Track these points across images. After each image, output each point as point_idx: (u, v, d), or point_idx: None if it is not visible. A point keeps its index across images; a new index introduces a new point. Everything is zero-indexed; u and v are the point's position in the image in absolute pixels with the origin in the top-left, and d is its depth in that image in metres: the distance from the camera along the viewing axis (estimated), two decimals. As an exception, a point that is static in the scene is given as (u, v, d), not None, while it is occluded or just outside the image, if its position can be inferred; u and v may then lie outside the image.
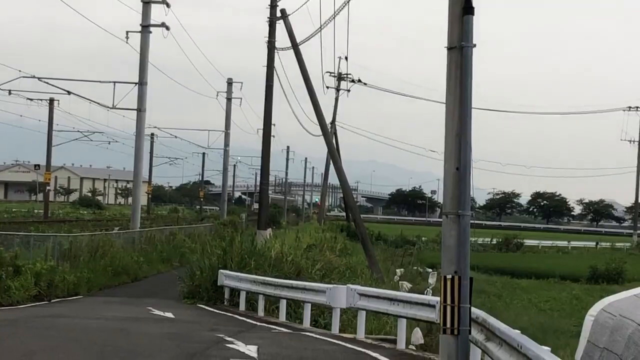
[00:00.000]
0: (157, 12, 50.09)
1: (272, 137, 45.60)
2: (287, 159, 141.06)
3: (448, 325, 12.38)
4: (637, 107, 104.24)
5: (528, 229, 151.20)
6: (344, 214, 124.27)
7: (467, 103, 12.49)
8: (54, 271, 27.92)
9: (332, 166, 60.10)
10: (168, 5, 46.13)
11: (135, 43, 46.13)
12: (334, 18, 41.01)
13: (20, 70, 53.76)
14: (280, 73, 45.25)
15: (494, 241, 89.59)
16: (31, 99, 62.67)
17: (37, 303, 25.82)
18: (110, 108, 49.80)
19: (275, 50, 42.90)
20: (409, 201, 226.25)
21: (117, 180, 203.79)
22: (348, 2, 38.03)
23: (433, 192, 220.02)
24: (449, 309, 12.37)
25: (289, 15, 41.97)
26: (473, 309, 12.88)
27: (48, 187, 77.62)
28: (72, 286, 28.84)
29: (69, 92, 53.51)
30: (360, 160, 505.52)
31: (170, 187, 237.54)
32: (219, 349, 16.22)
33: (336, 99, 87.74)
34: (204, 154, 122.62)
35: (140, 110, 46.46)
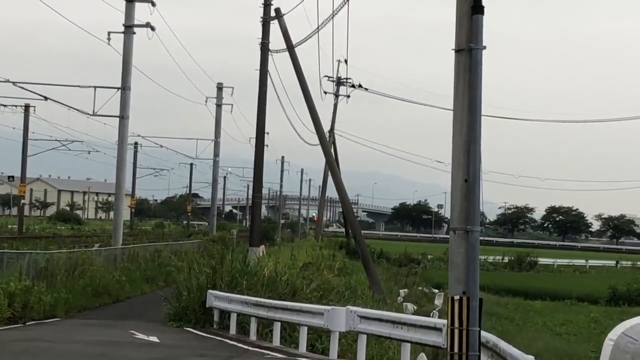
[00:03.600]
0: (142, 12, 50.22)
1: (265, 147, 45.67)
2: (282, 170, 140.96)
3: (456, 350, 12.36)
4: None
5: (542, 246, 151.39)
6: (343, 229, 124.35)
7: (476, 109, 12.49)
8: (29, 291, 27.86)
9: (330, 178, 60.17)
10: (153, 4, 46.18)
11: (117, 45, 46.21)
12: (332, 18, 41.15)
13: (-7, 74, 53.80)
14: (274, 77, 45.31)
15: (506, 259, 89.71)
16: (5, 105, 62.79)
17: (11, 326, 25.75)
18: (91, 115, 49.84)
19: (270, 53, 42.96)
20: (414, 216, 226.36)
21: (97, 193, 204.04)
22: (347, 0, 38.12)
23: (440, 206, 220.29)
24: (456, 332, 12.35)
25: (284, 14, 42.09)
26: (483, 333, 12.86)
27: (23, 201, 77.58)
28: (48, 307, 28.78)
29: (45, 98, 53.56)
30: (361, 171, 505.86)
31: (155, 200, 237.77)
32: (207, 375, 16.20)
33: (335, 105, 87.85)
34: (191, 164, 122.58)
35: (123, 117, 46.47)
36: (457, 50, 12.65)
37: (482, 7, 12.51)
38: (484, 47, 12.51)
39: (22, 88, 52.76)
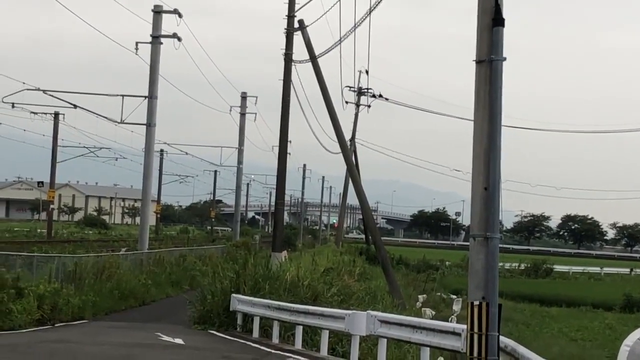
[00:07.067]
0: (169, 23, 50.34)
1: (288, 155, 45.61)
2: (304, 178, 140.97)
3: (475, 354, 12.33)
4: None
5: (558, 254, 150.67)
6: (363, 236, 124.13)
7: (496, 119, 12.48)
8: (57, 294, 27.97)
9: (351, 185, 60.14)
10: (180, 16, 46.31)
11: (145, 55, 46.36)
12: (354, 30, 41.10)
13: (24, 83, 54.03)
14: (297, 87, 45.34)
15: (522, 266, 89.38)
16: (35, 113, 62.93)
17: (40, 327, 25.87)
18: (118, 123, 49.96)
19: (293, 63, 42.96)
20: (432, 223, 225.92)
21: (124, 199, 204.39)
22: (370, 13, 38.11)
23: (458, 213, 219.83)
24: (476, 337, 12.32)
25: (307, 26, 42.07)
26: (501, 338, 12.83)
27: (52, 206, 77.88)
28: (76, 310, 28.86)
29: (75, 106, 53.70)
30: (381, 179, 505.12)
31: (180, 206, 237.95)
32: (231, 377, 16.19)
33: (356, 115, 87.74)
34: (215, 171, 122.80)
35: (150, 125, 46.59)
36: (478, 62, 12.64)
37: (503, 20, 12.51)
38: (504, 59, 12.50)
39: (52, 96, 52.93)
